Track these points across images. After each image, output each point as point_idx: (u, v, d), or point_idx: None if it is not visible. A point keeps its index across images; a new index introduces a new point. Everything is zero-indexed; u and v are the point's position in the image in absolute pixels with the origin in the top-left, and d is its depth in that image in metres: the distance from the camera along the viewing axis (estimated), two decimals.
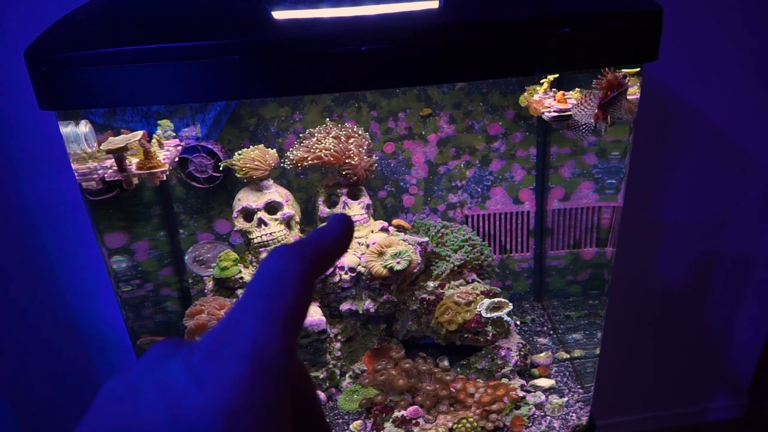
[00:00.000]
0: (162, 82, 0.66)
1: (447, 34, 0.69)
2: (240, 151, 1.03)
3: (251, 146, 1.05)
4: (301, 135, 1.07)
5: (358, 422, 1.02)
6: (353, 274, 1.04)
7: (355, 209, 1.09)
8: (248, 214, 1.05)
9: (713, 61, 1.24)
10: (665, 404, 1.74)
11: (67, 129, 0.78)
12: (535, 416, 1.01)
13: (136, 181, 0.88)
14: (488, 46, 0.69)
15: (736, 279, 1.54)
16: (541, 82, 0.99)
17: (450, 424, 0.97)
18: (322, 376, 1.06)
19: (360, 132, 1.07)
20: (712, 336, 1.63)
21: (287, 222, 1.07)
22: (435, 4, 0.78)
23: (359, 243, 1.07)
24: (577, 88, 0.93)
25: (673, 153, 1.34)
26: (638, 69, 0.81)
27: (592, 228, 1.20)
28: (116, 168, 0.85)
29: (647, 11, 0.70)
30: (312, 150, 1.03)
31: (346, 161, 1.03)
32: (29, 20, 1.04)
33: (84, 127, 0.80)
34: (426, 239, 1.08)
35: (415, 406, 1.00)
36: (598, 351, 1.06)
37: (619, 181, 0.98)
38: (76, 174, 0.83)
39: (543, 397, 1.03)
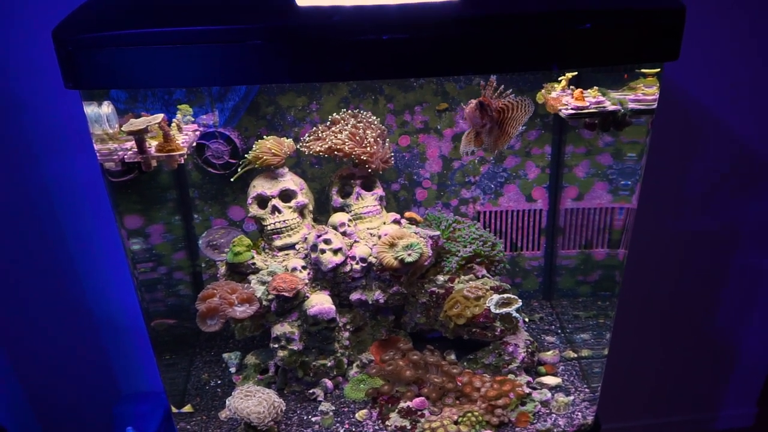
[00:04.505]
0: (184, 64, 0.67)
1: (466, 26, 0.69)
2: (256, 143, 1.04)
3: (266, 136, 1.06)
4: (318, 125, 1.08)
5: (364, 411, 1.03)
6: (364, 265, 1.04)
7: (368, 200, 1.09)
8: (262, 201, 1.07)
9: (732, 65, 1.23)
10: (673, 411, 1.72)
11: (90, 109, 0.80)
12: (540, 413, 1.01)
13: (154, 163, 0.89)
14: (507, 40, 0.69)
15: (747, 287, 1.52)
16: (560, 79, 0.99)
17: (455, 417, 0.98)
18: (329, 364, 1.07)
19: (377, 123, 1.08)
20: (721, 344, 1.62)
21: (300, 210, 1.08)
22: None
23: (371, 234, 1.08)
24: (595, 87, 0.93)
25: (688, 157, 1.33)
26: (658, 69, 0.81)
27: (604, 229, 1.19)
28: (136, 150, 0.86)
29: (670, 9, 0.70)
30: (329, 139, 1.04)
31: (364, 150, 1.04)
32: (53, 3, 1.06)
33: (107, 108, 0.82)
34: (437, 233, 1.09)
35: (421, 398, 1.01)
36: (606, 352, 1.06)
37: (635, 183, 0.98)
38: (97, 154, 0.85)
39: (549, 395, 1.03)
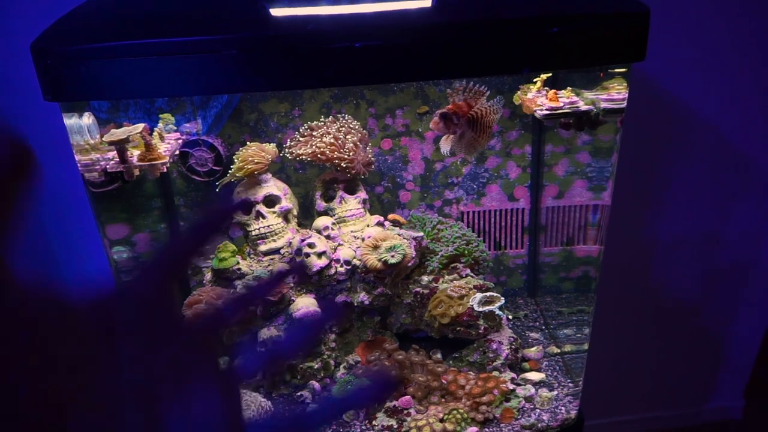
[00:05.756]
0: (162, 75, 0.69)
1: (439, 32, 0.71)
2: (237, 153, 1.05)
3: (249, 142, 1.07)
4: (300, 129, 1.09)
5: (351, 412, 1.05)
6: (348, 267, 1.06)
7: (352, 203, 1.11)
8: (246, 206, 1.08)
9: (710, 62, 1.26)
10: (662, 405, 1.75)
11: (70, 121, 0.81)
12: (524, 409, 1.03)
13: (137, 172, 0.90)
14: (479, 45, 0.71)
15: (734, 279, 1.55)
16: (535, 81, 1.01)
17: (441, 415, 0.99)
18: (317, 366, 1.08)
19: (357, 127, 1.09)
20: (708, 337, 1.64)
21: (285, 215, 1.10)
22: (428, 3, 0.80)
23: (355, 237, 1.09)
24: (569, 87, 0.95)
25: (671, 153, 1.36)
26: (625, 70, 0.83)
27: (585, 225, 1.22)
28: (118, 159, 0.88)
29: (634, 12, 0.72)
30: (311, 145, 1.06)
31: (344, 156, 1.05)
32: (33, 15, 1.07)
33: (87, 119, 0.83)
34: (421, 234, 1.10)
35: (407, 397, 1.02)
36: (586, 346, 1.08)
37: (606, 180, 1.00)
38: (79, 165, 0.86)
39: (533, 390, 1.05)
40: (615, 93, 0.90)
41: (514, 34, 0.71)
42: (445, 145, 0.93)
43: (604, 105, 0.90)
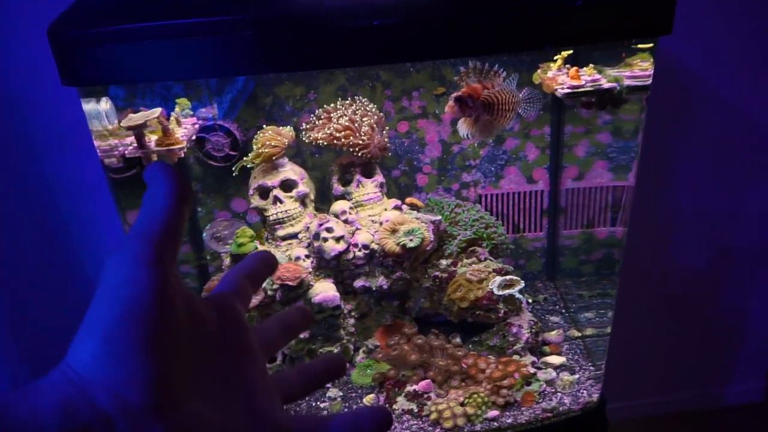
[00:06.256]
0: (178, 57, 0.68)
1: (457, 7, 0.69)
2: (255, 138, 1.04)
3: (265, 126, 1.06)
4: (316, 113, 1.08)
5: (371, 396, 1.05)
6: (367, 252, 1.05)
7: (369, 187, 1.10)
8: (264, 191, 1.07)
9: (735, 42, 1.22)
10: (681, 387, 1.73)
11: (88, 106, 0.80)
12: (545, 392, 1.02)
13: (155, 157, 0.90)
14: (499, 20, 0.69)
15: (753, 260, 1.52)
16: (555, 59, 0.98)
17: (461, 399, 0.99)
18: (336, 350, 1.08)
19: (373, 110, 1.08)
20: (728, 319, 1.62)
21: (302, 200, 1.09)
22: None
23: (373, 221, 1.09)
24: (591, 65, 0.93)
25: (691, 135, 1.33)
26: (651, 45, 0.81)
27: (606, 207, 1.20)
28: (136, 145, 0.87)
29: None
30: (327, 128, 1.05)
31: (359, 141, 1.04)
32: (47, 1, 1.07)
33: (105, 104, 0.83)
34: (439, 217, 1.09)
35: (427, 381, 1.02)
36: (609, 330, 1.07)
37: (631, 160, 0.98)
38: (98, 150, 0.86)
39: (554, 374, 1.04)
40: (639, 70, 0.88)
41: (535, 9, 0.69)
42: (463, 127, 0.91)
43: (627, 82, 0.88)
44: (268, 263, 0.37)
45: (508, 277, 1.07)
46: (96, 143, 0.84)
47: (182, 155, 0.93)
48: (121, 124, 0.86)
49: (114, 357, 0.24)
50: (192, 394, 0.26)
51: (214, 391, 0.28)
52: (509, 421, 0.98)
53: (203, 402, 0.27)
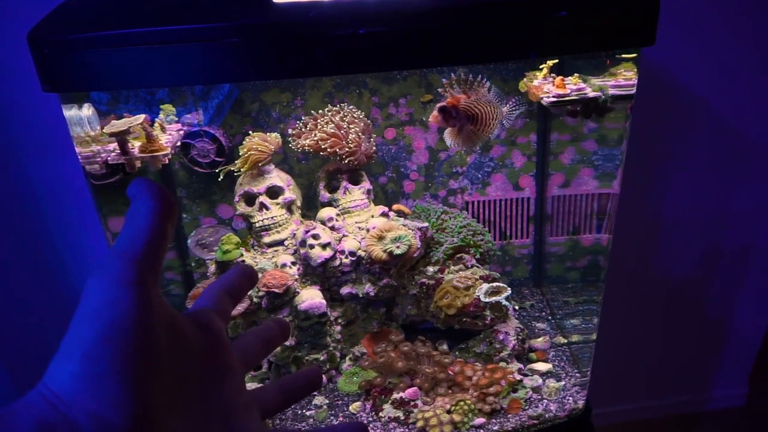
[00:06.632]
0: (161, 64, 0.67)
1: (443, 17, 0.69)
2: (242, 145, 1.03)
3: (251, 132, 1.06)
4: (303, 118, 1.08)
5: (358, 403, 1.04)
6: (353, 259, 1.05)
7: (356, 194, 1.10)
8: (250, 198, 1.07)
9: (716, 48, 1.24)
10: (666, 392, 1.75)
11: (70, 112, 0.79)
12: (531, 399, 1.02)
13: (138, 164, 0.89)
14: (485, 29, 0.70)
15: (738, 267, 1.54)
16: (541, 67, 0.99)
17: (448, 406, 0.99)
18: (322, 358, 1.08)
19: (360, 116, 1.08)
20: (712, 325, 1.64)
21: (288, 206, 1.08)
22: None
23: (359, 228, 1.08)
24: (576, 74, 0.93)
25: (674, 140, 1.34)
26: (635, 55, 0.81)
27: (591, 215, 1.20)
28: (119, 151, 0.86)
29: None
30: (314, 135, 1.04)
31: (346, 146, 1.04)
32: (31, 5, 1.05)
33: (87, 110, 0.81)
34: (426, 224, 1.09)
35: (414, 388, 1.02)
36: (594, 336, 1.07)
37: (615, 168, 0.99)
38: (79, 157, 0.84)
39: (540, 381, 1.04)
40: (623, 79, 0.88)
41: (520, 18, 0.70)
42: (448, 137, 0.91)
43: (612, 91, 0.89)
44: (249, 277, 0.37)
45: (495, 284, 1.07)
46: (77, 149, 0.83)
47: (166, 161, 0.92)
48: (104, 130, 0.85)
49: (94, 378, 0.23)
50: (172, 413, 0.26)
51: (193, 409, 0.28)
52: (495, 428, 0.98)
53: (183, 421, 0.27)
